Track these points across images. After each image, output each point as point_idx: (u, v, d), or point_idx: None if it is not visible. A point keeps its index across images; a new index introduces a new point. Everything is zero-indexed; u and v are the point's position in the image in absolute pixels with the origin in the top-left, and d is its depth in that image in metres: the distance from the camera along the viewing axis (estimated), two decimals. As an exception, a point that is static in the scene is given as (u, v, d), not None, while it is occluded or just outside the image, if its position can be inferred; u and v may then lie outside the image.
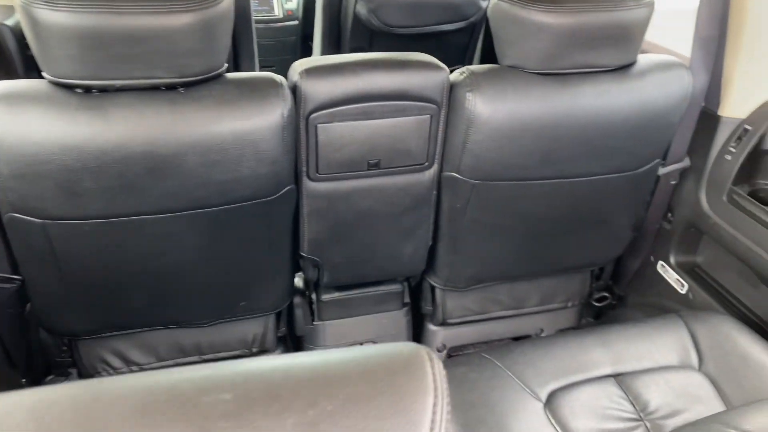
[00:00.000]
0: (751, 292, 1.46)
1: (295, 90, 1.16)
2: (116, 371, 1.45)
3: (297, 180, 1.27)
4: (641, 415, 1.13)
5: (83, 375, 1.45)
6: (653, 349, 1.24)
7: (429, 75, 1.21)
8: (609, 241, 1.58)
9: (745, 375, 1.17)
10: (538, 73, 1.23)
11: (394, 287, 1.58)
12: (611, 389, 1.16)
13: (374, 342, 1.64)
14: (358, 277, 1.51)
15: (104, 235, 1.15)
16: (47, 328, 1.33)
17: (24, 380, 1.43)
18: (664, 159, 1.49)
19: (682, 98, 1.30)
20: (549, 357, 1.21)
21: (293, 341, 1.66)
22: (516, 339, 1.86)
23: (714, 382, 1.17)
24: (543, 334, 1.79)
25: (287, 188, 1.23)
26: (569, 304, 1.76)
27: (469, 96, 1.20)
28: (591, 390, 1.15)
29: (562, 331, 1.29)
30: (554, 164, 1.30)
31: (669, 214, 1.62)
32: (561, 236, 1.49)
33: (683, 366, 1.21)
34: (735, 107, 1.42)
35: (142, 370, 1.47)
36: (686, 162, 1.52)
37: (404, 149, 1.27)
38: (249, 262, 1.32)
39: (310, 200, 1.29)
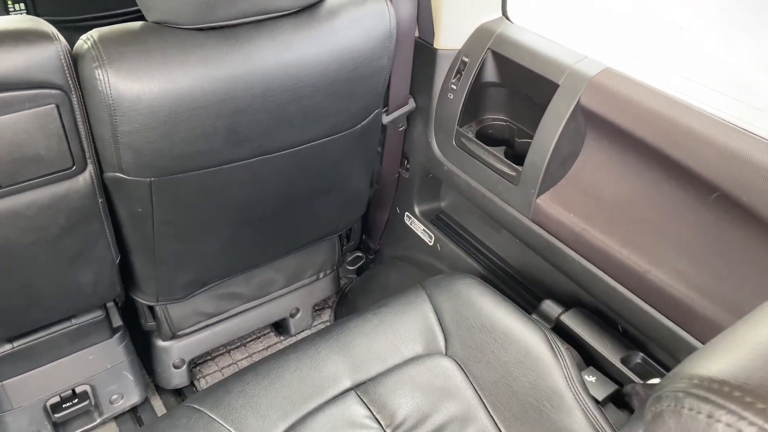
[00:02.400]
0: (494, 236, 1.37)
1: None
2: None
3: None
4: (387, 431, 0.96)
5: None
6: (397, 340, 1.07)
7: (30, 50, 0.84)
8: (346, 205, 1.37)
9: (491, 350, 1.05)
10: (196, 29, 0.91)
11: (93, 315, 1.23)
12: (353, 407, 0.97)
13: (90, 385, 1.30)
14: (25, 327, 1.13)
15: None
16: None
17: None
18: (387, 105, 1.29)
19: (386, 35, 1.08)
20: (274, 386, 0.98)
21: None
22: (274, 324, 1.65)
23: (462, 366, 1.04)
24: (300, 314, 1.58)
25: None
26: (321, 275, 1.56)
27: (100, 74, 0.86)
28: (329, 416, 0.95)
29: (294, 345, 1.07)
30: (247, 142, 1.02)
31: (406, 162, 1.45)
32: (287, 215, 1.24)
33: (430, 353, 1.06)
34: (450, 37, 1.24)
35: None
36: (411, 104, 1.33)
37: (30, 156, 0.90)
38: None
39: None
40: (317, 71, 1.00)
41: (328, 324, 1.66)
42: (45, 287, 1.06)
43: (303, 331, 1.62)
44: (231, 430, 0.92)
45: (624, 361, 1.05)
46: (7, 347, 1.16)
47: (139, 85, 0.88)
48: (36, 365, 1.22)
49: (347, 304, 1.68)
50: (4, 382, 1.19)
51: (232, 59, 0.93)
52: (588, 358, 1.08)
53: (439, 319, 1.10)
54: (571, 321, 1.11)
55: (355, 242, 1.62)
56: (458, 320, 1.09)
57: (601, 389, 1.01)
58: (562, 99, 1.07)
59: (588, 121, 1.06)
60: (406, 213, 1.51)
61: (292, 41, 0.97)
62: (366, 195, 1.41)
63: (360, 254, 1.66)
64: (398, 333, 1.08)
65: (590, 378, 1.03)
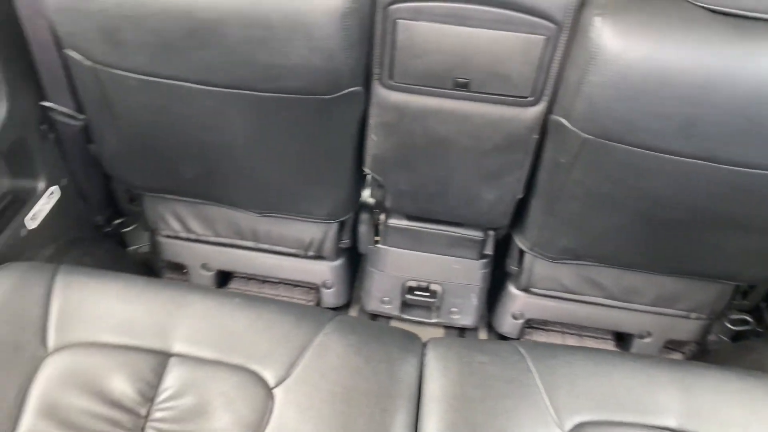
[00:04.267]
0: None
1: None
2: (175, 234, 1.45)
3: (368, 83, 1.07)
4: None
5: (148, 228, 1.47)
6: (753, 418, 0.91)
7: None
8: (764, 258, 1.19)
9: None
10: (707, 8, 0.87)
11: (474, 233, 1.35)
12: (666, 449, 0.88)
13: (443, 288, 1.45)
14: (425, 212, 1.30)
15: (151, 94, 1.07)
16: (110, 174, 1.33)
17: (99, 217, 1.49)
18: None
19: None
20: (599, 378, 0.94)
21: (356, 257, 1.53)
22: (617, 335, 1.57)
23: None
24: (648, 339, 1.46)
25: (351, 90, 1.04)
26: (693, 315, 1.40)
27: (598, 21, 0.89)
28: (637, 439, 0.88)
29: (634, 354, 1.00)
30: (697, 139, 0.95)
31: None
32: (694, 232, 1.14)
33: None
34: None
35: (199, 240, 1.45)
36: None
37: (503, 73, 1.01)
38: (302, 162, 1.19)
39: (378, 110, 1.10)
40: None
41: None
42: (454, 188, 1.20)
43: (643, 358, 1.51)
44: (541, 388, 0.92)
45: None
46: (404, 223, 1.36)
47: (626, 41, 0.88)
48: (414, 247, 1.40)
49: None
50: (388, 248, 1.42)
51: (727, 50, 0.86)
52: None
53: (819, 429, 0.89)
54: None
55: (751, 303, 1.40)
56: None
57: None
58: None
59: None
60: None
61: (811, 52, 0.85)
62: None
63: (748, 318, 1.43)
64: (759, 411, 0.91)
65: None
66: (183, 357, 0.94)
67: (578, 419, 0.90)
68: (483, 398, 0.90)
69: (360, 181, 1.30)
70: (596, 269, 1.34)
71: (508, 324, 1.49)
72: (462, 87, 1.03)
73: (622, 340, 1.54)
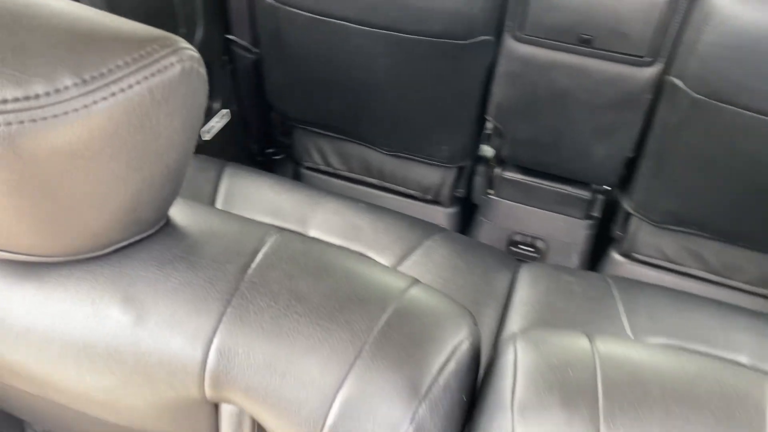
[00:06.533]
0: None
1: None
2: (316, 166, 1.67)
3: (499, 35, 1.21)
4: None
5: (293, 159, 1.70)
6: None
7: None
8: None
9: None
10: None
11: (581, 192, 1.45)
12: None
13: (543, 240, 1.56)
14: (539, 164, 1.42)
15: (317, 31, 1.28)
16: (271, 105, 1.57)
17: (254, 146, 1.75)
18: None
19: None
20: (680, 312, 1.02)
21: (469, 208, 1.68)
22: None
23: None
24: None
25: (482, 38, 1.19)
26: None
27: None
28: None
29: (718, 301, 1.06)
30: None
31: None
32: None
33: None
34: None
35: (335, 175, 1.66)
36: None
37: (623, 32, 1.11)
38: (431, 104, 1.35)
39: (506, 61, 1.23)
40: None
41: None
42: (567, 140, 1.30)
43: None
44: (621, 310, 1.02)
45: None
46: (518, 176, 1.47)
47: (743, 3, 0.96)
48: (522, 201, 1.51)
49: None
50: (500, 199, 1.54)
51: None
52: None
53: None
54: None
55: None
56: None
57: None
58: None
59: None
60: None
61: None
62: None
63: None
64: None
65: None
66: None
67: (653, 341, 0.99)
68: (565, 308, 1.02)
69: (480, 129, 1.44)
70: (699, 241, 1.39)
71: (605, 288, 1.56)
72: (585, 43, 1.15)
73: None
